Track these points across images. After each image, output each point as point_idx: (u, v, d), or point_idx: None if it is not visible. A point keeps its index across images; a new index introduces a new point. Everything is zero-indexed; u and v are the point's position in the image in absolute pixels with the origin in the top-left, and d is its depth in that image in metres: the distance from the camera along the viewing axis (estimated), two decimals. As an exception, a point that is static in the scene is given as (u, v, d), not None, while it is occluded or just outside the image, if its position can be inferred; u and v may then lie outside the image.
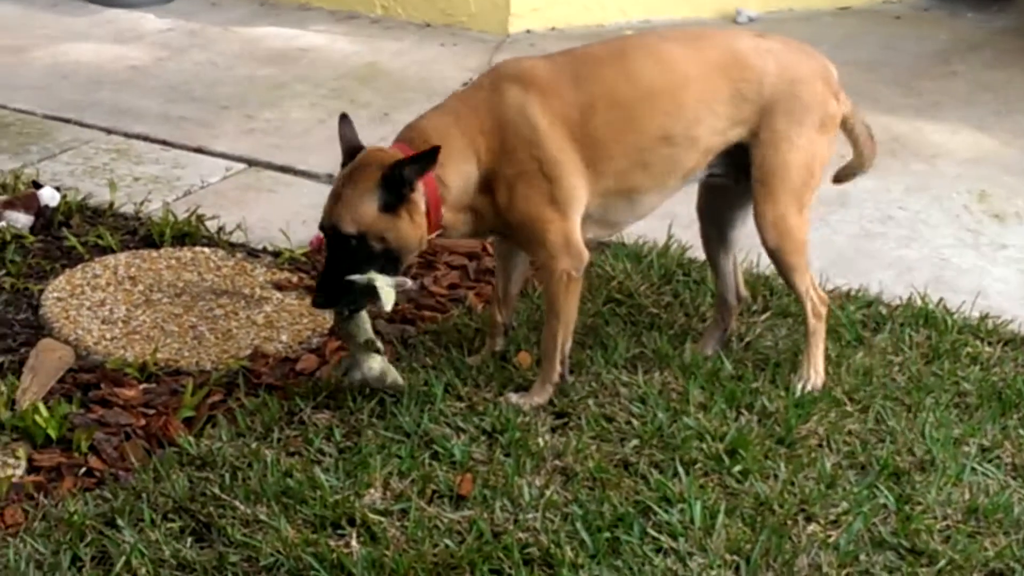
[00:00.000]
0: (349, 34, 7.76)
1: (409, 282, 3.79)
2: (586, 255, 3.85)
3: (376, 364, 3.83)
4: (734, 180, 4.01)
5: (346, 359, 3.88)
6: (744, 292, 4.30)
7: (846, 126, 4.06)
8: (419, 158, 3.59)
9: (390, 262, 3.67)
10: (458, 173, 3.73)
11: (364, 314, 3.80)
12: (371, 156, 3.71)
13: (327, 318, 4.46)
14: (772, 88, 3.88)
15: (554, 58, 3.94)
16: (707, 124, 3.86)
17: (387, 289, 3.65)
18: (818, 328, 4.07)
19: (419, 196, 3.65)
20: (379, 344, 3.83)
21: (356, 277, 3.64)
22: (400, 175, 3.60)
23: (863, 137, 4.13)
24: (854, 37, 7.94)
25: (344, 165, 3.77)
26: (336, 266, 3.68)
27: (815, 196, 4.01)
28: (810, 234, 4.09)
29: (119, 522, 3.38)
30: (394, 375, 3.87)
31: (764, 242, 3.99)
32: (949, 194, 5.71)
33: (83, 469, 3.66)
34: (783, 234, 3.94)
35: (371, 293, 3.66)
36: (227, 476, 3.54)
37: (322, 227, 3.73)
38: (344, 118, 3.86)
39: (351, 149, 3.78)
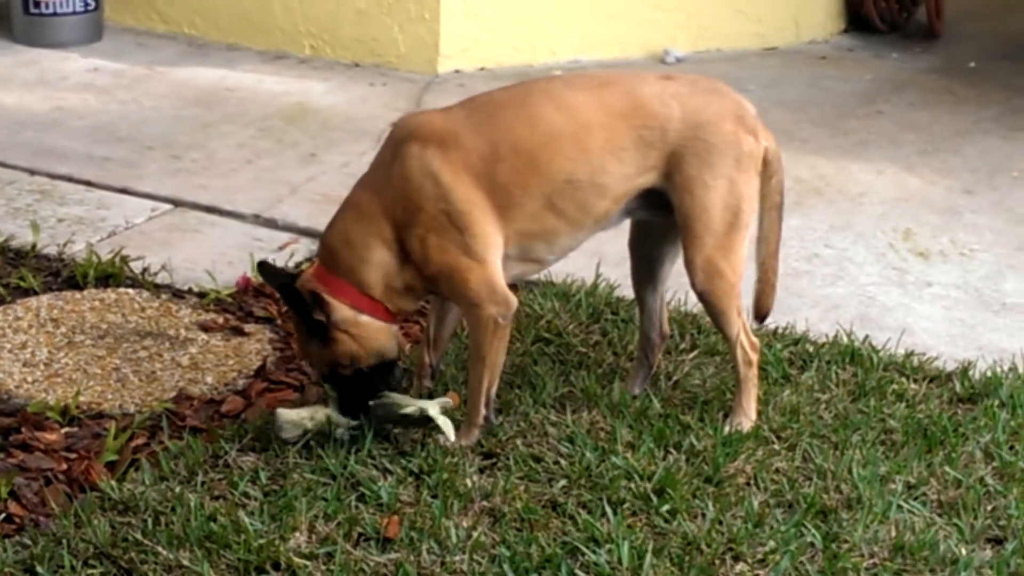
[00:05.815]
0: (277, 74, 7.73)
1: (450, 401, 3.90)
2: (513, 301, 3.82)
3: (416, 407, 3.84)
4: (661, 216, 3.98)
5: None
6: (667, 329, 4.28)
7: (766, 165, 3.96)
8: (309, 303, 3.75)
9: (378, 370, 3.83)
10: (373, 267, 3.78)
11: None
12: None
13: (252, 360, 4.43)
14: (677, 134, 3.85)
15: (452, 109, 3.92)
16: (614, 172, 3.84)
17: (442, 419, 3.78)
18: (748, 375, 4.04)
19: (341, 311, 3.77)
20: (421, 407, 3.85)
21: (409, 410, 3.79)
22: (311, 314, 3.75)
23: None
24: (781, 77, 8.01)
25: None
26: (344, 393, 3.87)
27: (746, 237, 3.96)
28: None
29: (39, 569, 3.32)
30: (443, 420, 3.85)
31: (693, 285, 3.96)
32: (874, 232, 5.76)
33: (2, 515, 3.58)
34: (711, 277, 3.92)
35: (426, 423, 3.80)
36: (150, 521, 3.49)
37: None
38: (262, 265, 3.94)
39: (283, 288, 3.88)
